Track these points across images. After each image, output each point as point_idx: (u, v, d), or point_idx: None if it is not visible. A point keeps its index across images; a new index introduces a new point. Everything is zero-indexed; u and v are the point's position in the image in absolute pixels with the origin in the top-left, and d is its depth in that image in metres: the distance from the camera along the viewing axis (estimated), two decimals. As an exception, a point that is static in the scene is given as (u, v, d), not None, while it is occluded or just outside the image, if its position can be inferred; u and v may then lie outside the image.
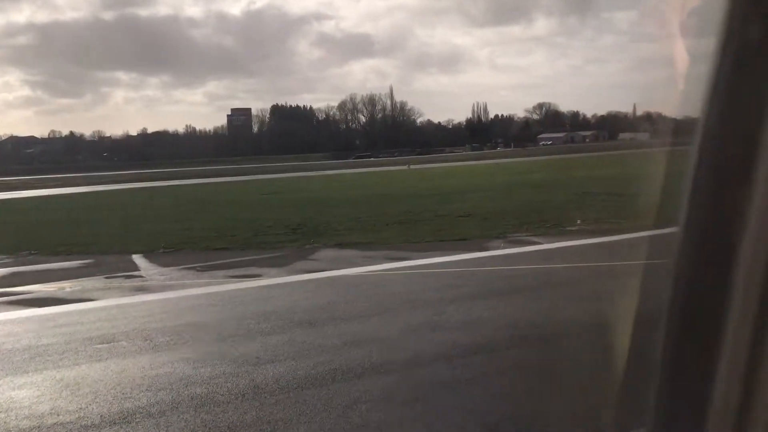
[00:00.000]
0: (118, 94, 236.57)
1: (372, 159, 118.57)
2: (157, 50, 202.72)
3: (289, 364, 7.57)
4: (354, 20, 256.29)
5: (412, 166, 78.53)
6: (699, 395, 1.18)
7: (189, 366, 7.76)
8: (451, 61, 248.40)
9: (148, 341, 8.88)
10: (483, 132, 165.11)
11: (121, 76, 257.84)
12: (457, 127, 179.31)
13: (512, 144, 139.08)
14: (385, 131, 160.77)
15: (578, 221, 18.78)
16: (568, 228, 18.02)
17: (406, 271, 13.04)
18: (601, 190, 28.26)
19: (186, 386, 7.05)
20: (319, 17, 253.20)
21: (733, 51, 1.13)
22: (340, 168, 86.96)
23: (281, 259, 15.33)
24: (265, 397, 6.62)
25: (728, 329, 1.12)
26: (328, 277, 12.78)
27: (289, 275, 13.41)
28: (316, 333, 8.84)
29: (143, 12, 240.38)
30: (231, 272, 14.12)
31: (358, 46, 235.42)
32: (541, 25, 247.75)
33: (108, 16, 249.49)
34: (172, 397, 6.77)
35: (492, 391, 6.51)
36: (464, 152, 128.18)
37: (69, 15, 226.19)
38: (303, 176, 66.19)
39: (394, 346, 7.98)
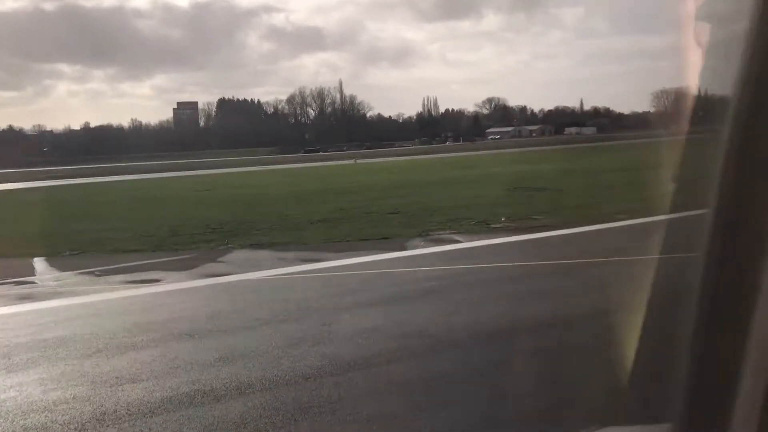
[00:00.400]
0: (62, 87, 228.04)
1: (321, 153, 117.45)
2: (101, 42, 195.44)
3: (150, 385, 6.88)
4: (304, 13, 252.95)
5: (358, 161, 78.02)
6: (725, 388, 1.19)
7: (39, 389, 7.00)
8: (402, 56, 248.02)
9: (6, 359, 8.06)
10: (433, 126, 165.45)
11: (65, 68, 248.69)
12: (408, 121, 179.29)
13: (461, 138, 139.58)
14: (335, 125, 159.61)
15: (502, 218, 18.47)
16: (493, 225, 17.67)
17: (314, 275, 12.43)
18: (534, 185, 28.16)
19: (25, 414, 6.31)
20: (268, 9, 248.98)
21: (764, 41, 1.12)
22: (288, 162, 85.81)
23: (188, 262, 14.54)
24: (107, 427, 5.93)
25: (756, 315, 1.13)
26: (229, 282, 12.08)
27: (189, 280, 12.66)
28: (192, 347, 8.17)
29: (86, 2, 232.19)
30: (130, 277, 13.28)
31: (308, 39, 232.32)
32: (491, 20, 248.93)
33: (49, 6, 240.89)
34: (2, 429, 6.03)
35: (357, 415, 5.94)
36: (413, 146, 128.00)
37: (8, 5, 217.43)
38: (246, 171, 64.96)
39: (269, 362, 7.36)
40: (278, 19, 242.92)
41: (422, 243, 15.59)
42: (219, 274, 13.02)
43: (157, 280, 12.79)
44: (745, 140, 1.18)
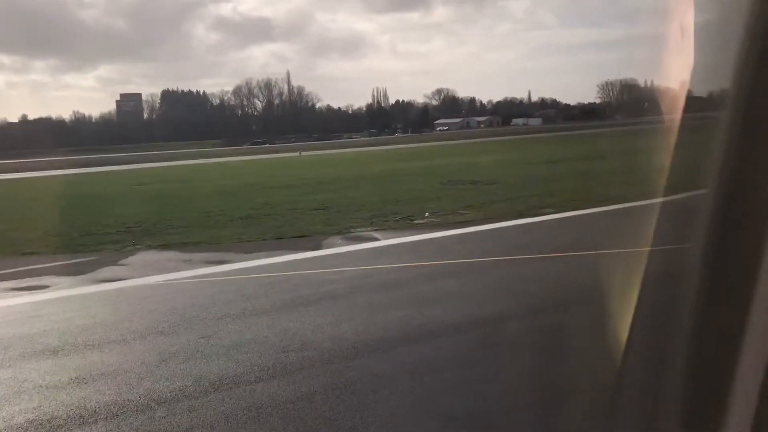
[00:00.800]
0: (0, 79, 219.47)
1: (267, 145, 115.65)
2: (42, 32, 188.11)
3: (-17, 415, 6.12)
4: (252, 3, 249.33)
5: (303, 153, 77.01)
6: (721, 388, 1.19)
7: None
8: (352, 47, 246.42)
9: None
10: (383, 117, 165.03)
11: (3, 59, 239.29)
12: (358, 113, 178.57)
13: (410, 130, 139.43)
14: (283, 117, 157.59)
15: (426, 214, 18.01)
16: (416, 221, 17.19)
17: (214, 279, 11.72)
18: (468, 179, 27.87)
19: None
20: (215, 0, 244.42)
21: (765, 23, 1.14)
22: (232, 155, 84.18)
23: (87, 266, 13.63)
24: None
25: (757, 295, 1.13)
26: (120, 289, 11.27)
27: (80, 286, 11.79)
28: (50, 366, 7.40)
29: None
30: (18, 283, 12.33)
31: (257, 30, 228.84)
32: (440, 12, 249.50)
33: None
34: None
35: (202, 446, 5.32)
36: (362, 138, 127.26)
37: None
38: (186, 165, 63.39)
39: (128, 384, 6.66)
40: (226, 9, 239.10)
41: (339, 241, 15.00)
42: (114, 279, 12.18)
43: (45, 287, 11.88)
44: (744, 120, 1.17)
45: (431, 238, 14.51)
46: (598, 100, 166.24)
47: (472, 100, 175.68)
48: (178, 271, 12.52)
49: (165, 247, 15.44)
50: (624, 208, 17.42)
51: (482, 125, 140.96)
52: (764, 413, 1.14)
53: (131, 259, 14.23)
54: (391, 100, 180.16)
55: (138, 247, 15.57)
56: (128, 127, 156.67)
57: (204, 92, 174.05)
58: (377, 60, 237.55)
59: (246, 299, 9.98)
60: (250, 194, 27.40)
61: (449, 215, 17.82)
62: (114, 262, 13.90)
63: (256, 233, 16.68)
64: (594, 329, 8.28)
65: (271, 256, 13.50)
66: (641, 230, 14.71)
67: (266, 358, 7.19)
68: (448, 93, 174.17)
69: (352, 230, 16.38)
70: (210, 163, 66.58)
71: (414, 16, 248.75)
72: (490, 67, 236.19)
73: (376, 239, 15.00)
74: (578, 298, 9.15)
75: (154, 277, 11.96)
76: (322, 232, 16.33)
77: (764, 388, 1.15)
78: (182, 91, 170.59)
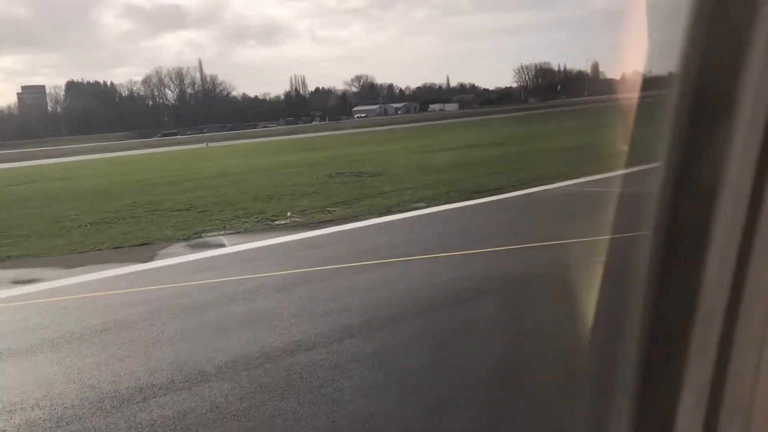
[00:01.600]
0: None
1: (179, 136, 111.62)
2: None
3: None
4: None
5: (210, 144, 74.51)
6: (669, 394, 1.16)
7: None
8: (270, 33, 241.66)
9: None
10: (302, 105, 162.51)
11: None
12: (276, 101, 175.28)
13: (327, 117, 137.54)
14: (197, 107, 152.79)
15: (289, 213, 16.72)
16: (277, 222, 15.88)
17: (6, 304, 10.09)
18: (357, 170, 26.77)
19: None
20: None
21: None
22: (138, 148, 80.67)
23: None
24: None
25: (708, 277, 1.10)
26: None
27: None
28: None
29: None
30: None
31: (169, 17, 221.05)
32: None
33: None
34: None
35: None
36: (277, 127, 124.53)
37: None
38: (80, 161, 59.97)
39: None
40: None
41: (180, 250, 13.51)
42: None
43: None
44: (694, 92, 1.11)
45: (281, 243, 13.23)
46: (514, 85, 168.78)
47: (391, 87, 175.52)
48: (-26, 295, 10.80)
49: (-17, 262, 13.59)
50: (498, 200, 16.65)
51: (399, 111, 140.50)
52: (713, 414, 1.12)
53: (-72, 281, 12.35)
54: (311, 88, 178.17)
55: (-51, 264, 13.65)
56: (31, 121, 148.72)
57: (112, 83, 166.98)
58: (296, 47, 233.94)
59: (22, 332, 8.46)
60: (122, 194, 25.41)
61: (317, 213, 16.60)
62: None
63: (95, 242, 14.98)
64: (399, 358, 7.15)
65: (94, 271, 11.93)
66: (504, 226, 13.91)
67: (-19, 422, 5.76)
68: (367, 80, 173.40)
69: (203, 235, 14.92)
70: (107, 158, 63.22)
71: (331, 2, 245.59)
72: (409, 53, 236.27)
73: (222, 245, 13.61)
74: (401, 314, 8.11)
75: (-64, 306, 10.22)
76: (170, 238, 14.80)
77: (714, 386, 1.12)
78: (88, 82, 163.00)
